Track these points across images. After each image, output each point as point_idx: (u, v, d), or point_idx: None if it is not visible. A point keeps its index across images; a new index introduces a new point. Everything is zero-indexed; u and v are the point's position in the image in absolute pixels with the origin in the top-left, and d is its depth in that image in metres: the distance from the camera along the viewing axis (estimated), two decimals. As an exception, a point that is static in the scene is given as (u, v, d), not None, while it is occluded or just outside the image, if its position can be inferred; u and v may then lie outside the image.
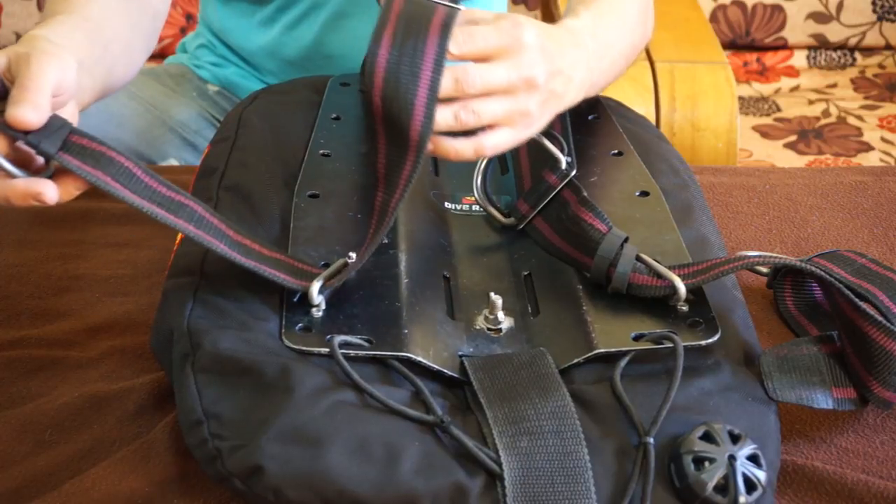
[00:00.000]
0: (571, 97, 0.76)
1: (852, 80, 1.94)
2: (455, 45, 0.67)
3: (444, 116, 0.68)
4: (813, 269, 0.68)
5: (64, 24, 0.76)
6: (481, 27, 0.70)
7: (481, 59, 0.69)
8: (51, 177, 0.65)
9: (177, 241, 0.74)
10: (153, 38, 0.92)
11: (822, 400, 0.65)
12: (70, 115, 0.68)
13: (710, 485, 0.57)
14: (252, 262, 0.66)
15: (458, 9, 0.69)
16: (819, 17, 1.94)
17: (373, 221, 0.68)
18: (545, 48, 0.71)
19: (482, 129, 0.70)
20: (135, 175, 0.65)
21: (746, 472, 0.58)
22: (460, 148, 0.70)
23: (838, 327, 0.68)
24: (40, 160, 0.66)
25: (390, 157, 0.68)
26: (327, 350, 0.63)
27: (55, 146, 0.64)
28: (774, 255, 0.74)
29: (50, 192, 0.64)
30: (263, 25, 1.17)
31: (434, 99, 0.66)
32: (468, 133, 0.70)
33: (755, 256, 0.72)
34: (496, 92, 0.69)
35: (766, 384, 0.65)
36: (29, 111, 0.63)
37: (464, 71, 0.68)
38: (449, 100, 0.68)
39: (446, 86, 0.67)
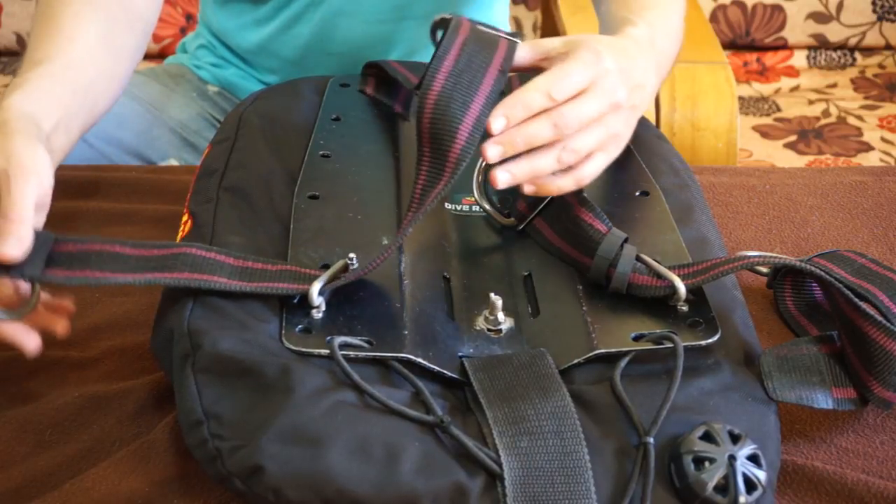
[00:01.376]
0: (646, 105, 0.78)
1: (852, 80, 1.94)
2: (557, 92, 0.69)
3: (547, 163, 0.70)
4: (813, 269, 0.68)
5: (43, 80, 0.77)
6: (569, 65, 0.71)
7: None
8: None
9: (177, 241, 0.74)
10: (139, 53, 0.92)
11: (822, 400, 0.65)
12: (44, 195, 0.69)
13: (711, 485, 0.57)
14: (254, 285, 0.67)
15: (517, 42, 0.73)
16: (819, 17, 1.94)
17: (396, 234, 0.68)
18: (622, 68, 0.73)
19: None
20: (122, 254, 0.66)
21: (746, 472, 0.58)
22: (563, 185, 0.72)
23: (838, 327, 0.68)
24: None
25: (429, 179, 0.69)
26: (327, 351, 0.63)
27: (39, 267, 0.65)
28: (774, 255, 0.74)
29: (30, 345, 0.68)
30: (261, 23, 1.17)
31: (478, 130, 0.68)
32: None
33: (755, 256, 0.72)
34: (590, 125, 0.71)
35: (766, 384, 0.65)
36: (13, 247, 0.64)
37: (559, 115, 0.69)
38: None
39: (546, 134, 0.69)
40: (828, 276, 0.67)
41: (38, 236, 0.66)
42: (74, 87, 0.80)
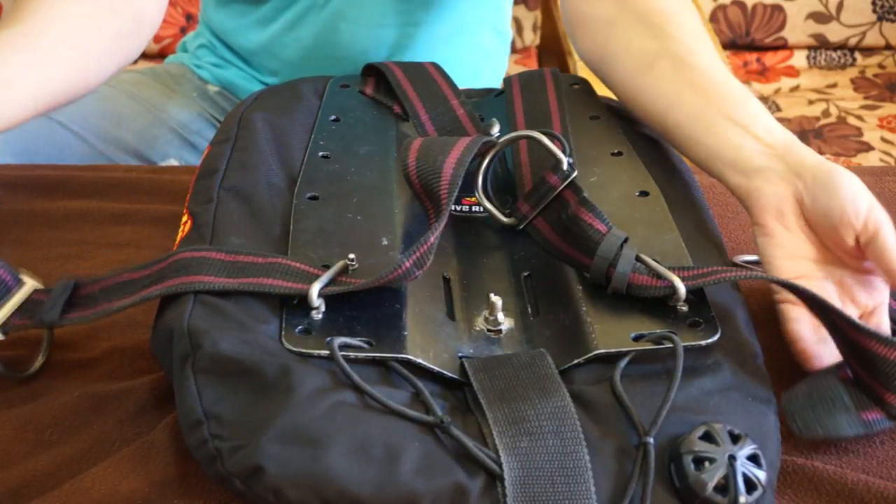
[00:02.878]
0: None
1: (852, 80, 1.94)
2: None
3: None
4: (813, 294, 0.66)
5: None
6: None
7: None
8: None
9: (177, 242, 0.74)
10: (124, 40, 0.92)
11: (851, 427, 0.65)
12: None
13: (711, 485, 0.57)
14: (244, 281, 0.67)
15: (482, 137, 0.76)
16: (819, 17, 1.95)
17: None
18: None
19: None
20: (129, 280, 0.69)
21: (746, 472, 0.58)
22: None
23: (842, 352, 0.67)
24: None
25: (436, 219, 0.71)
26: (327, 352, 0.63)
27: (57, 313, 0.69)
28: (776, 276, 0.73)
29: None
30: (262, 25, 1.17)
31: (461, 166, 0.71)
32: None
33: (755, 266, 0.71)
34: None
35: (792, 425, 0.64)
36: None
37: None
38: None
39: None
40: (824, 301, 0.66)
41: (59, 285, 0.70)
42: (24, 45, 0.80)
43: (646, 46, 0.87)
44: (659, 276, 0.68)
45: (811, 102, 1.86)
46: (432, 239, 0.66)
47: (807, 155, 0.76)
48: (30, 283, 0.72)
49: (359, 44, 1.13)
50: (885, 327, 0.72)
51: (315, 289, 0.66)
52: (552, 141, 0.77)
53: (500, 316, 0.70)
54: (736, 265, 0.78)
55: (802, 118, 1.81)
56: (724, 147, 0.79)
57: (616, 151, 0.85)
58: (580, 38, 0.95)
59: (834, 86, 1.92)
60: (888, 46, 1.98)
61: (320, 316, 0.66)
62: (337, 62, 1.13)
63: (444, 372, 0.65)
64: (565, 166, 0.76)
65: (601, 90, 0.96)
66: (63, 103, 0.85)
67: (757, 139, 0.78)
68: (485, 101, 0.95)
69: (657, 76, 0.85)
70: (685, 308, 0.68)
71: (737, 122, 0.79)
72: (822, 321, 0.67)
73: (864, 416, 0.65)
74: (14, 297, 0.71)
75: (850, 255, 0.73)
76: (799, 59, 1.97)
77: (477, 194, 0.79)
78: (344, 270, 0.68)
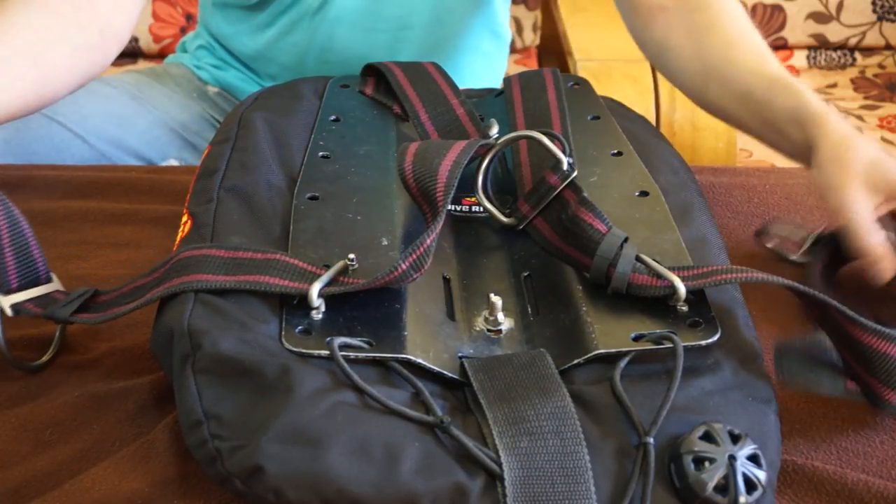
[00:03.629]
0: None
1: (852, 80, 1.94)
2: None
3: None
4: (814, 293, 0.66)
5: None
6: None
7: None
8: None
9: (177, 242, 0.75)
10: (94, 55, 0.91)
11: (832, 388, 0.65)
12: None
13: (711, 485, 0.57)
14: (244, 278, 0.67)
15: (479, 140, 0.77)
16: (819, 17, 1.95)
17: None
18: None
19: None
20: (137, 286, 0.71)
21: (746, 472, 0.58)
22: None
23: (840, 350, 0.67)
24: None
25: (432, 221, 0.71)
26: (327, 353, 0.63)
27: (69, 311, 0.71)
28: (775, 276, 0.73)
29: None
30: (258, 31, 1.17)
31: (458, 168, 0.71)
32: None
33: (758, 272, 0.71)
34: None
35: (778, 371, 0.64)
36: None
37: None
38: None
39: None
40: (823, 298, 0.65)
41: (80, 290, 0.73)
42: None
43: (695, 39, 0.94)
44: (659, 276, 0.68)
45: (811, 102, 1.86)
46: (428, 241, 0.66)
47: (824, 133, 0.84)
48: (56, 283, 0.75)
49: (356, 48, 1.13)
50: None
51: (315, 289, 0.66)
52: (552, 141, 0.77)
53: (500, 316, 0.70)
54: (735, 267, 0.78)
55: (802, 118, 1.81)
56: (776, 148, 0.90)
57: (616, 151, 0.85)
58: (637, 27, 1.01)
59: (834, 86, 1.92)
60: (888, 46, 1.98)
61: (320, 316, 0.66)
62: (334, 67, 1.13)
63: (444, 372, 0.65)
64: (565, 166, 0.76)
65: (601, 90, 0.96)
66: (18, 117, 0.84)
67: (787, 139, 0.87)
68: (485, 101, 0.95)
69: (708, 81, 0.93)
70: (685, 308, 0.68)
71: (773, 127, 0.88)
72: (818, 320, 0.67)
73: (849, 385, 0.66)
74: (36, 287, 0.73)
75: None
76: (799, 59, 1.97)
77: (477, 194, 0.79)
78: (344, 271, 0.68)
